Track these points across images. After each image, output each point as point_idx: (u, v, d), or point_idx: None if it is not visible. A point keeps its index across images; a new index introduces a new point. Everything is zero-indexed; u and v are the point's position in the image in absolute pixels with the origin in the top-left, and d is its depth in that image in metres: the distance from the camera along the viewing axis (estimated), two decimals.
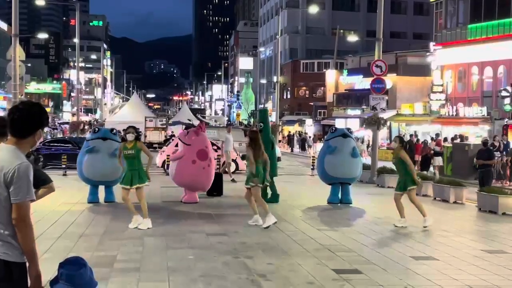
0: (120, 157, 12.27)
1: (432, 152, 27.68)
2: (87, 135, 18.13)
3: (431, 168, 27.46)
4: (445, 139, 31.45)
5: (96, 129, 16.27)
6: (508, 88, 36.68)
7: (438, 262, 9.25)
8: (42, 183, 4.76)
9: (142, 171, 11.82)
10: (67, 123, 61.51)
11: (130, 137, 11.92)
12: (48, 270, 4.65)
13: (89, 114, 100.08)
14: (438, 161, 27.00)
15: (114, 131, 15.85)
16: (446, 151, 27.05)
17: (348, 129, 17.36)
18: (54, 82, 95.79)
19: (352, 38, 61.15)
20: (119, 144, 14.48)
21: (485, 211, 14.97)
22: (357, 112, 51.82)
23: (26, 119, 3.81)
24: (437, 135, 32.53)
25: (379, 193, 18.89)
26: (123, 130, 13.00)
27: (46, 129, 53.00)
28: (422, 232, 11.92)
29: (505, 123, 32.67)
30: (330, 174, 16.02)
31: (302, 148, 50.56)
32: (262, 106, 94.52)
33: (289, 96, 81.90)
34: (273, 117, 54.34)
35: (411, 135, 34.63)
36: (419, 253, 9.84)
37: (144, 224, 11.54)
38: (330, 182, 16.22)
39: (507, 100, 35.55)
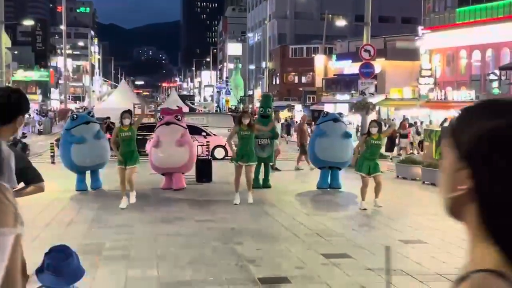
0: (114, 141, 12.79)
1: (398, 134, 28.52)
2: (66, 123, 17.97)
3: (395, 150, 28.52)
4: (415, 123, 32.25)
5: (75, 115, 16.08)
6: (496, 71, 36.82)
7: (427, 245, 9.28)
8: (32, 180, 4.66)
9: (136, 152, 12.57)
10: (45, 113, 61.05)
11: (126, 122, 12.65)
12: (36, 259, 4.60)
13: (78, 101, 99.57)
14: (404, 142, 28.01)
15: (92, 113, 16.12)
16: (434, 135, 27.15)
17: (340, 113, 17.45)
18: (42, 69, 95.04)
19: (341, 22, 61.01)
20: (99, 125, 15.31)
21: None
22: (346, 97, 51.84)
23: (6, 105, 3.74)
24: (406, 119, 33.35)
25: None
26: (107, 117, 13.89)
27: (36, 118, 52.68)
28: (411, 216, 11.95)
29: None
30: (320, 157, 16.05)
31: (287, 133, 50.53)
32: (251, 92, 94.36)
33: (278, 82, 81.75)
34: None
35: (392, 119, 34.92)
36: (408, 237, 9.87)
37: (132, 198, 12.57)
38: (320, 166, 16.23)
39: (495, 84, 35.69)
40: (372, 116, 22.42)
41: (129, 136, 12.51)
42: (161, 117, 15.81)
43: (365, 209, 12.42)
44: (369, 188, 12.67)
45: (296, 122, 52.16)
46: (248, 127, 13.03)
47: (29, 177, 4.60)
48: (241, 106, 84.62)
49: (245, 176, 12.95)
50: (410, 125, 33.10)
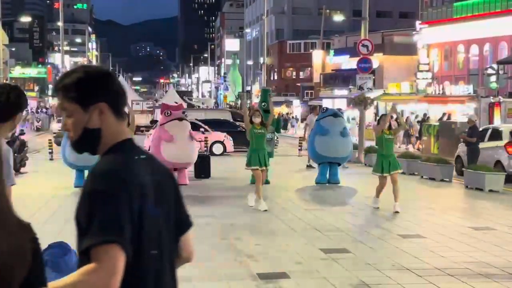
0: None
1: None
2: None
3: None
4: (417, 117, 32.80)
5: None
6: (494, 65, 36.78)
7: (425, 239, 9.29)
8: None
9: None
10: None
11: None
12: None
13: None
14: None
15: None
16: (433, 129, 27.15)
17: (339, 109, 17.47)
18: (39, 66, 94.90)
19: (339, 18, 60.94)
20: None
21: (472, 189, 15.04)
22: (344, 92, 51.81)
23: (5, 103, 3.73)
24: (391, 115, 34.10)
25: (366, 173, 18.91)
26: None
27: (38, 115, 52.56)
28: (409, 211, 11.95)
29: (491, 100, 32.79)
30: (321, 153, 16.03)
31: (284, 128, 50.48)
32: (249, 87, 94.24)
33: (276, 77, 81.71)
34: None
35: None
36: (407, 231, 9.88)
37: None
38: (320, 161, 16.25)
39: (493, 78, 35.66)
40: (370, 111, 22.41)
41: None
42: (168, 113, 15.71)
43: (377, 208, 11.89)
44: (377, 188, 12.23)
45: (293, 117, 52.20)
46: (262, 126, 12.22)
47: None
48: (239, 102, 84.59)
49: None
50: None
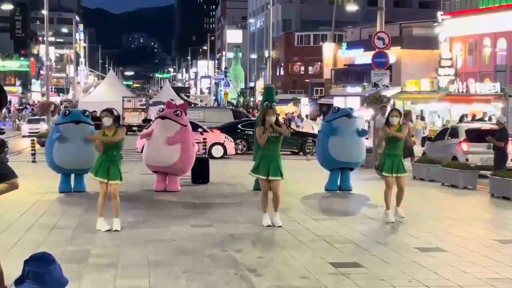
0: (99, 147, 10.77)
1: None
2: (56, 118, 18.15)
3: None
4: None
5: (67, 111, 16.15)
6: None
7: (446, 253, 9.30)
8: (2, 177, 4.67)
9: (119, 168, 10.70)
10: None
11: (107, 121, 10.72)
12: (15, 266, 4.63)
13: (61, 94, 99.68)
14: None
15: (87, 113, 15.71)
16: None
17: (351, 109, 17.32)
18: (21, 58, 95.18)
19: (352, 7, 60.98)
20: (93, 128, 14.57)
21: (498, 197, 15.02)
22: (358, 89, 51.86)
23: None
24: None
25: (381, 178, 18.89)
26: (101, 112, 12.28)
27: (21, 112, 52.66)
28: (428, 221, 11.95)
29: None
30: (335, 158, 15.86)
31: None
32: (253, 84, 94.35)
33: (282, 73, 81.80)
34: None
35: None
36: (425, 244, 9.88)
37: (116, 224, 10.60)
38: (332, 167, 16.08)
39: None
40: (386, 110, 22.38)
41: (113, 143, 10.64)
42: (161, 110, 15.88)
43: (392, 222, 11.56)
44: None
45: (298, 116, 52.06)
46: (276, 127, 11.03)
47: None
48: (241, 99, 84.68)
49: (272, 192, 11.19)
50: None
